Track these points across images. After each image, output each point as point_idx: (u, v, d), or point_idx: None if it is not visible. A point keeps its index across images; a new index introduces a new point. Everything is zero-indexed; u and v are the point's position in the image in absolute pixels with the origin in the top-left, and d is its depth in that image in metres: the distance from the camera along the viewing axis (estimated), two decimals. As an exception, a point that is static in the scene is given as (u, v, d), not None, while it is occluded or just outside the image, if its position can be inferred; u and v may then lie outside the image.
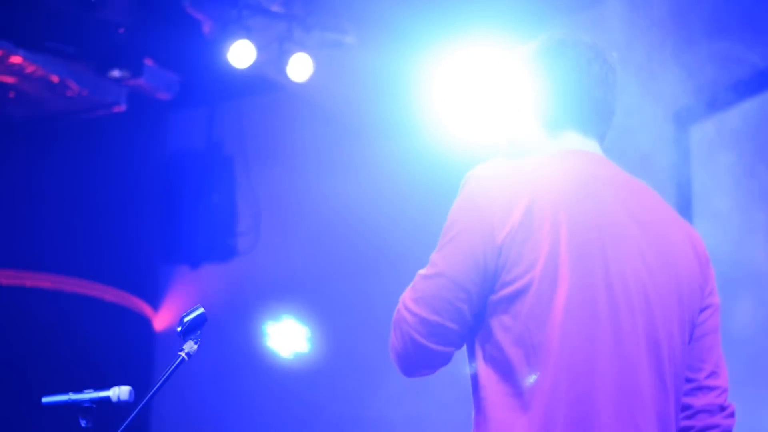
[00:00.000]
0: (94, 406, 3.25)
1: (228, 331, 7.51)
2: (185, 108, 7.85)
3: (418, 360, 2.63)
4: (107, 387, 3.23)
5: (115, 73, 6.78)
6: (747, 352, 5.09)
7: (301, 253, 7.42)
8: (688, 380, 2.71)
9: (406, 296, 2.64)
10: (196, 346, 3.12)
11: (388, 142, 7.01)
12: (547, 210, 2.54)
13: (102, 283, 7.55)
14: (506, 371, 2.54)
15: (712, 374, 2.74)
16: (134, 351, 7.49)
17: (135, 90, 7.15)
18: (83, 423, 3.24)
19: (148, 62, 7.00)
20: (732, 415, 2.75)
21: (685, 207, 6.19)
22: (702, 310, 2.73)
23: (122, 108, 7.17)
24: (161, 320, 7.85)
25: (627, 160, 2.77)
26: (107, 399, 3.23)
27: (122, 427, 2.93)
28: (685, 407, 2.71)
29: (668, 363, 2.61)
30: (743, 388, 3.56)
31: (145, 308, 7.85)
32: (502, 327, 2.55)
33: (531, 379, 2.51)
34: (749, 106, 6.10)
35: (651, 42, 5.87)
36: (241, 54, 6.74)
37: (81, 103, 7.15)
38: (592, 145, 2.74)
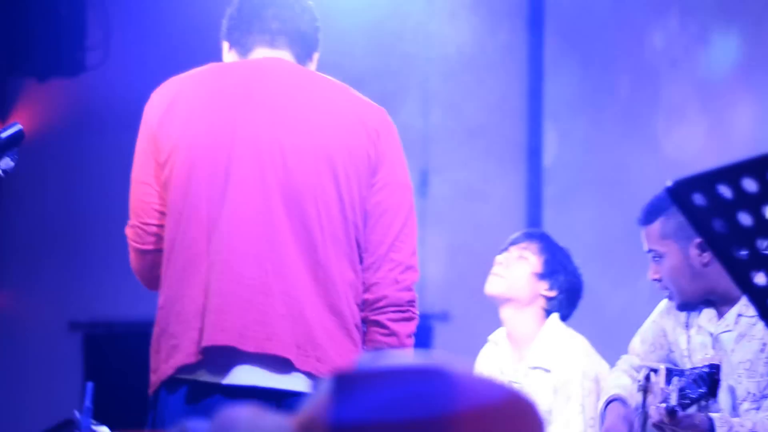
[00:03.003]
0: None
1: (74, 146, 7.43)
2: None
3: (139, 265, 3.02)
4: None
5: None
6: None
7: (151, 70, 7.31)
8: (370, 255, 2.92)
9: None
10: (12, 163, 3.10)
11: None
12: (189, 96, 2.95)
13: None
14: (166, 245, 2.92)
15: (391, 249, 2.92)
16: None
17: None
18: None
19: None
20: (408, 289, 2.94)
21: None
22: (374, 185, 2.94)
23: None
24: (8, 134, 7.71)
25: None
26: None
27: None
28: (364, 281, 2.93)
29: (316, 213, 2.84)
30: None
31: (-9, 121, 7.69)
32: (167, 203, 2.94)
33: (176, 243, 2.87)
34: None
35: None
36: None
37: None
38: (280, 55, 3.09)
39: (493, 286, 4.41)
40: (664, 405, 3.34)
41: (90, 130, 7.26)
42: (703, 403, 3.37)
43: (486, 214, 7.01)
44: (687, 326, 3.69)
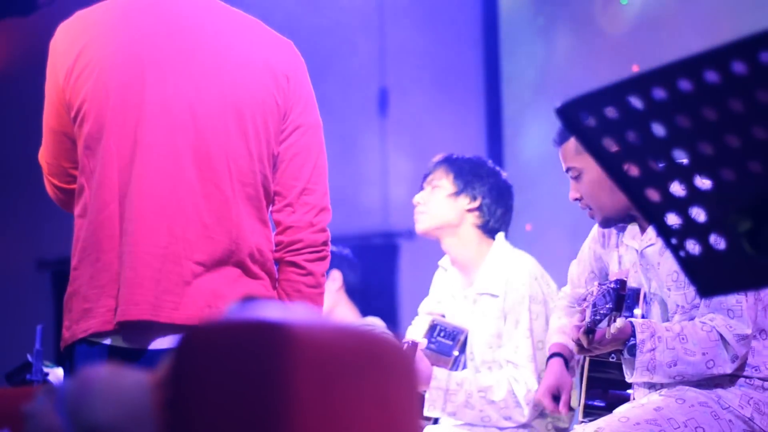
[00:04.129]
0: None
1: (32, 84, 7.40)
2: None
3: (57, 198, 3.00)
4: None
5: None
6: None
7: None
8: (283, 198, 2.92)
9: None
10: None
11: None
12: (97, 48, 2.79)
13: None
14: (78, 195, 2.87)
15: (304, 192, 2.92)
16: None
17: None
18: None
19: None
20: (323, 230, 2.95)
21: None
22: (286, 130, 2.91)
23: None
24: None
25: None
26: None
27: None
28: (277, 223, 2.94)
29: (228, 172, 2.81)
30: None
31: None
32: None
33: (91, 200, 2.81)
34: None
35: None
36: None
37: None
38: None
39: (420, 224, 4.38)
40: (583, 323, 3.30)
41: (42, 66, 7.24)
42: (613, 319, 3.30)
43: (446, 132, 7.03)
44: (617, 247, 3.66)
